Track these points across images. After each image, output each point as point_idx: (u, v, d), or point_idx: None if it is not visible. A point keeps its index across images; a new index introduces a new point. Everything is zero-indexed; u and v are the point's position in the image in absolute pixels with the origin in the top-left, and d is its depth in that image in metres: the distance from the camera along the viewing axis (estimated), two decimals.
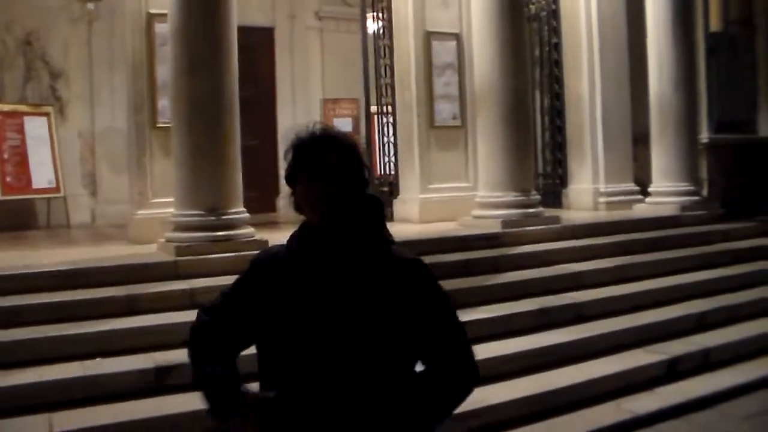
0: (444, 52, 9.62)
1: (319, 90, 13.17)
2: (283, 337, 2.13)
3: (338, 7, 13.44)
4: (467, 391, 2.19)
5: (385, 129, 10.06)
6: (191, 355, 2.31)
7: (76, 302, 5.75)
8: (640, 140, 10.88)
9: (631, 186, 10.71)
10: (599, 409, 5.59)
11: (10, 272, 6.14)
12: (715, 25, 11.96)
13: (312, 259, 2.16)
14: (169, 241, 6.81)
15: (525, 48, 8.57)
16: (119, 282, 6.15)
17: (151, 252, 7.09)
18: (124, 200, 11.49)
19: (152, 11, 8.09)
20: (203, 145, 6.75)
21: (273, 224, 9.36)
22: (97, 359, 5.22)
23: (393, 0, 9.68)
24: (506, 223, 8.11)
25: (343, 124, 12.75)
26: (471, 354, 2.20)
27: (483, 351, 5.65)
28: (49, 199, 10.88)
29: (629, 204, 10.40)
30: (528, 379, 5.77)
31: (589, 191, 10.57)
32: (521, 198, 8.32)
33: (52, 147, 10.91)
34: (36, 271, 6.24)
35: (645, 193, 10.62)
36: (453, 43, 9.69)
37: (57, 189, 10.83)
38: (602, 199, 10.45)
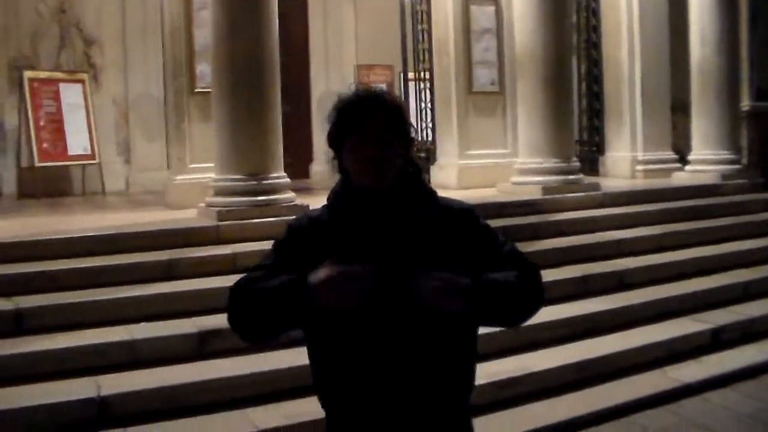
0: (483, 17, 9.49)
1: (353, 56, 13.04)
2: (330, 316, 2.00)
3: None
4: (541, 297, 2.14)
5: (423, 95, 9.94)
6: (235, 307, 2.13)
7: (117, 267, 5.71)
8: (679, 108, 10.73)
9: (670, 154, 10.58)
10: (646, 377, 5.56)
11: (49, 236, 6.12)
12: None
13: (363, 219, 2.08)
14: (209, 205, 6.79)
15: (566, 13, 8.41)
16: (160, 246, 6.11)
17: (191, 217, 7.07)
18: (157, 167, 11.61)
19: None
20: (244, 110, 6.70)
21: (307, 190, 9.34)
22: (142, 324, 5.20)
23: None
24: (546, 189, 8.03)
25: None
26: (540, 277, 2.15)
27: None
28: (84, 166, 10.89)
29: (668, 172, 10.27)
30: (571, 346, 5.73)
31: (627, 159, 10.44)
32: (561, 164, 8.22)
33: (87, 114, 10.89)
34: (76, 236, 6.17)
35: (683, 161, 10.48)
36: (492, 8, 9.57)
37: (92, 156, 10.84)
38: (640, 167, 10.32)
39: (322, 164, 12.59)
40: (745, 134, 10.97)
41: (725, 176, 9.63)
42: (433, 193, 2.18)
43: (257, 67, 6.73)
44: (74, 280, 5.50)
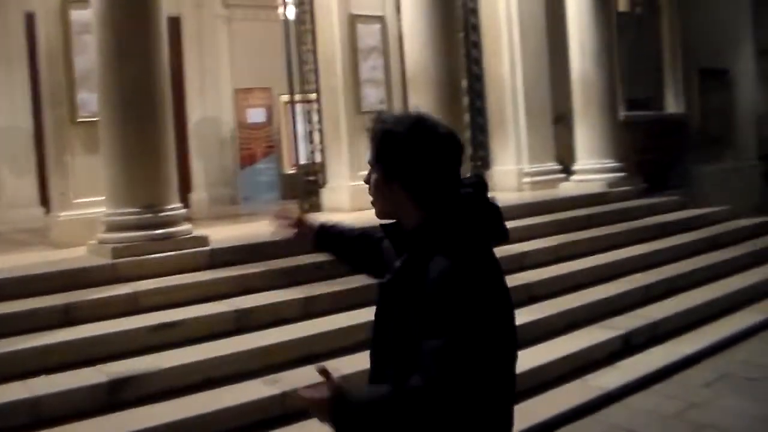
0: (369, 35, 9.43)
1: (229, 80, 12.78)
2: None
3: None
4: (417, 412, 1.88)
5: (310, 116, 9.76)
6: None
7: (8, 315, 5.24)
8: (559, 120, 11.01)
9: (554, 165, 10.83)
10: (568, 388, 5.59)
11: None
12: (622, 5, 12.20)
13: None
14: (102, 242, 6.40)
15: (455, 28, 8.48)
16: (54, 290, 5.68)
17: (82, 256, 6.63)
18: (27, 203, 10.97)
19: None
20: (136, 138, 6.37)
21: (188, 220, 8.94)
22: (42, 377, 4.75)
23: None
24: None
25: (257, 115, 12.43)
26: (440, 386, 1.87)
27: None
28: None
29: (554, 183, 10.52)
30: None
31: (514, 172, 10.62)
32: None
33: None
34: None
35: (566, 172, 10.75)
36: (378, 26, 9.51)
37: None
38: (527, 180, 10.52)
39: (201, 193, 12.26)
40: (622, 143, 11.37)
41: (611, 184, 9.95)
42: (438, 241, 1.95)
43: (149, 91, 6.42)
44: None
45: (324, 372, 1.92)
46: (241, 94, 12.38)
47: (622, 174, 10.30)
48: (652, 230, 8.87)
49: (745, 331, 6.83)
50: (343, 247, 2.58)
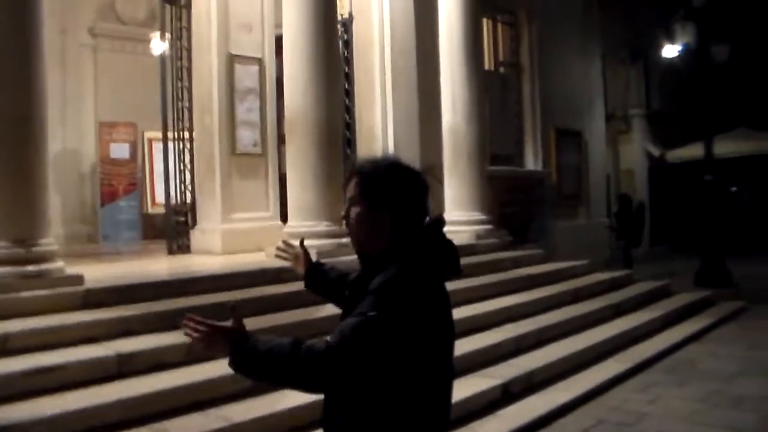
0: (247, 76, 9.32)
1: (93, 112, 12.26)
2: None
3: (114, 24, 12.75)
4: (299, 378, 2.17)
5: (182, 155, 9.46)
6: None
7: None
8: (427, 171, 11.13)
9: None
10: None
11: None
12: (488, 64, 12.63)
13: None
14: None
15: (340, 75, 8.49)
16: None
17: None
18: None
19: None
20: (7, 167, 5.98)
21: None
22: None
23: (193, 20, 9.21)
24: (321, 253, 7.88)
25: (121, 150, 11.98)
26: (323, 363, 2.13)
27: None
28: None
29: None
30: None
31: None
32: (334, 228, 8.18)
33: None
34: None
35: None
36: (256, 68, 9.43)
37: None
38: None
39: (57, 229, 11.60)
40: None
41: (479, 236, 10.18)
42: (388, 262, 2.25)
43: (23, 116, 6.06)
44: None
45: (233, 309, 2.25)
46: (105, 128, 11.92)
47: (489, 226, 10.57)
48: (520, 282, 9.11)
49: (613, 380, 7.06)
50: (327, 288, 2.89)
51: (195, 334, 2.22)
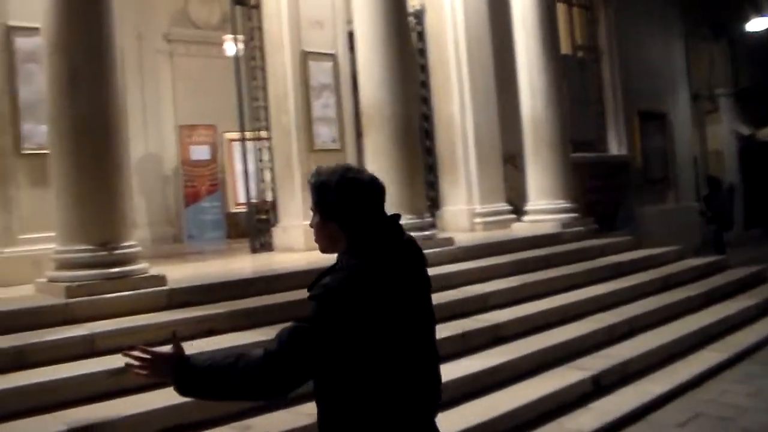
0: (321, 73, 9.28)
1: (172, 116, 12.46)
2: None
3: (188, 29, 12.90)
4: (254, 386, 2.31)
5: (261, 154, 9.49)
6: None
7: None
8: (508, 160, 11.01)
9: (505, 206, 10.81)
10: (545, 431, 5.43)
11: None
12: (564, 48, 12.33)
13: None
14: (53, 280, 6.03)
15: (413, 67, 8.38)
16: (2, 331, 5.28)
17: (30, 295, 6.26)
18: None
19: (12, 24, 7.21)
20: (90, 172, 6.02)
21: None
22: None
23: (265, 20, 9.21)
24: None
25: (201, 152, 12.13)
26: (271, 363, 2.27)
27: None
28: None
29: (505, 223, 10.48)
30: (462, 408, 5.48)
31: (464, 212, 10.55)
32: (416, 220, 8.07)
33: None
34: None
35: (516, 212, 10.73)
36: (329, 64, 9.38)
37: None
38: (478, 220, 10.46)
39: (143, 231, 11.83)
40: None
41: (565, 224, 9.95)
42: (332, 268, 2.41)
43: (103, 123, 6.08)
44: None
45: (174, 334, 2.42)
46: (185, 131, 12.08)
47: (574, 214, 10.32)
48: (608, 270, 8.85)
49: (709, 371, 6.79)
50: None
51: (136, 364, 2.38)
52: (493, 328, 6.70)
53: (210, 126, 12.16)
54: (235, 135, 12.28)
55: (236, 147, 12.32)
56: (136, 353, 2.38)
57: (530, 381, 6.06)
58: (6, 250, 7.18)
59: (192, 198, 12.02)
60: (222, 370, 2.28)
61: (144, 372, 2.38)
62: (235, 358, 2.27)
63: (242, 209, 12.46)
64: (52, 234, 6.44)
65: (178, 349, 2.37)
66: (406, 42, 8.40)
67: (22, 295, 6.26)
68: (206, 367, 2.30)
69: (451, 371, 5.75)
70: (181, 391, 2.35)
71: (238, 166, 12.21)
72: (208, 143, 12.18)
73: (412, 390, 2.39)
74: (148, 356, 2.37)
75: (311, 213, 2.46)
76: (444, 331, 6.40)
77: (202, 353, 2.44)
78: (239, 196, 12.32)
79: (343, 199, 2.37)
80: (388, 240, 2.44)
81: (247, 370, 2.24)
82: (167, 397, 4.76)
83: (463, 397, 5.54)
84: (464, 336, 6.40)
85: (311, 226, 2.47)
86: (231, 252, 10.22)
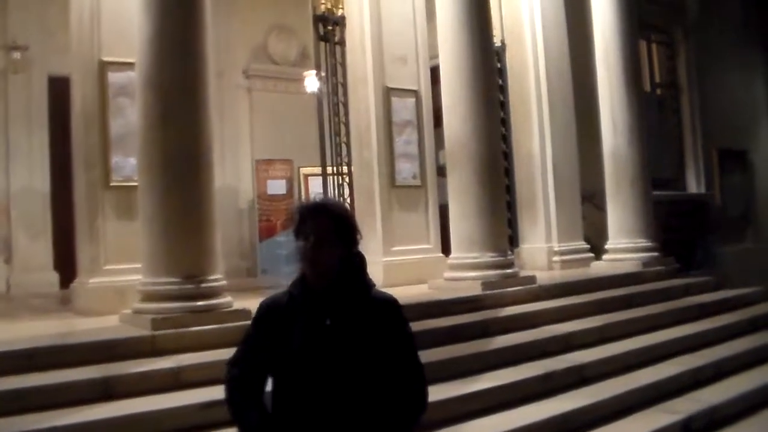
0: (403, 109, 9.34)
1: (248, 150, 12.67)
2: (288, 368, 2.62)
3: (267, 65, 13.16)
4: (419, 413, 2.67)
5: (341, 189, 9.56)
6: (229, 407, 2.77)
7: (44, 388, 4.90)
8: (587, 198, 10.90)
9: (583, 244, 10.69)
10: None
11: None
12: (644, 86, 12.23)
13: (307, 304, 2.66)
14: (138, 312, 6.12)
15: (497, 105, 8.39)
16: (90, 361, 5.35)
17: (115, 326, 6.36)
18: (41, 267, 10.72)
19: (106, 59, 7.42)
20: (178, 204, 6.16)
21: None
22: None
23: (348, 55, 9.34)
24: (486, 284, 7.81)
25: (278, 186, 12.28)
26: (425, 386, 2.70)
27: (493, 423, 5.32)
28: None
29: (584, 262, 10.36)
30: None
31: (543, 250, 10.46)
32: (499, 258, 8.07)
33: None
34: None
35: (594, 250, 10.60)
36: (412, 100, 9.44)
37: None
38: (556, 258, 10.36)
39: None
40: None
41: (645, 264, 9.78)
42: (368, 285, 2.73)
43: (193, 155, 6.26)
44: None
45: None
46: (262, 165, 12.25)
47: (655, 253, 10.14)
48: (692, 311, 8.66)
49: None
50: None
51: None
52: (577, 369, 6.58)
53: (287, 161, 12.32)
54: (312, 170, 12.51)
55: (312, 182, 12.50)
56: None
57: (618, 423, 5.94)
58: (92, 280, 7.31)
59: (267, 232, 12.14)
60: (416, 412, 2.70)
61: None
62: (396, 406, 2.64)
63: None
64: (137, 265, 6.57)
65: None
66: (492, 78, 8.40)
67: (107, 326, 6.35)
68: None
69: (535, 412, 5.72)
70: None
71: None
72: (285, 177, 12.32)
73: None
74: None
75: (313, 241, 2.65)
76: (526, 370, 6.38)
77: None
78: None
79: (356, 227, 2.79)
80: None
81: (424, 389, 2.69)
82: None
83: None
84: (547, 377, 6.32)
85: (315, 254, 2.64)
86: None
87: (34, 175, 10.96)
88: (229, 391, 2.79)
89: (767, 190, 15.46)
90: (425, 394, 2.68)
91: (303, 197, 12.50)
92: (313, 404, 2.58)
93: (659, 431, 5.87)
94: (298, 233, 2.66)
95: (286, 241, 12.02)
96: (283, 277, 11.45)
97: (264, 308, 2.78)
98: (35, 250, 10.84)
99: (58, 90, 10.97)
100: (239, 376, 2.76)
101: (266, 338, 2.70)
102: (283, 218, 12.23)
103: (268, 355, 2.69)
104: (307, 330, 2.62)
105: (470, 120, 8.15)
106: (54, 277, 10.79)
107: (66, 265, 10.50)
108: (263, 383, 2.75)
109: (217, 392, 5.10)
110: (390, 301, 2.72)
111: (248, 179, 12.62)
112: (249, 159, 12.70)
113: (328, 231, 2.62)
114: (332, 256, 2.63)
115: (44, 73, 11.05)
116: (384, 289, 8.41)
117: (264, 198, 12.36)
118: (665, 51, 13.10)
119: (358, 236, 2.72)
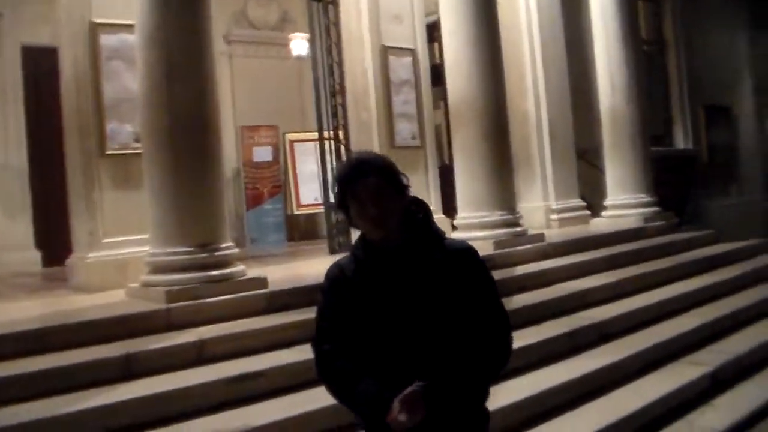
0: (401, 68, 9.12)
1: (231, 117, 12.31)
2: (369, 331, 2.49)
3: (247, 30, 12.79)
4: (505, 361, 2.54)
5: (338, 153, 9.25)
6: (331, 384, 2.57)
7: (64, 369, 4.62)
8: (581, 155, 10.81)
9: (579, 201, 10.63)
10: (675, 429, 5.23)
11: None
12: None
13: (380, 266, 2.51)
14: (149, 285, 5.84)
15: (501, 61, 8.19)
16: (108, 339, 5.10)
17: (124, 300, 6.07)
18: (22, 246, 10.34)
19: (97, 20, 7.03)
20: (187, 169, 5.85)
21: None
22: None
23: (342, 15, 9.05)
24: (497, 243, 7.68)
25: (263, 153, 11.95)
26: (510, 334, 2.55)
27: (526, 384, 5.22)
28: None
29: (581, 219, 10.30)
30: (588, 408, 5.30)
31: (541, 209, 10.37)
32: (508, 217, 7.95)
33: None
34: None
35: (589, 207, 10.53)
36: (409, 59, 9.21)
37: None
38: (554, 216, 10.29)
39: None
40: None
41: (647, 219, 9.74)
42: (440, 236, 2.58)
43: (201, 116, 5.93)
44: (11, 391, 4.37)
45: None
46: (247, 132, 11.89)
47: (656, 208, 10.11)
48: (700, 264, 8.64)
49: None
50: None
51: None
52: (598, 326, 6.49)
53: (272, 127, 11.97)
54: (298, 135, 12.23)
55: (298, 147, 12.22)
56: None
57: (647, 378, 5.87)
58: (91, 254, 7.01)
59: (254, 201, 11.80)
60: (480, 364, 2.48)
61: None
62: (474, 351, 2.46)
63: (305, 211, 12.33)
64: (138, 236, 6.34)
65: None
66: (495, 32, 8.17)
67: (114, 301, 6.05)
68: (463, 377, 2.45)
69: (564, 372, 5.60)
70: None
71: (301, 168, 12.07)
72: (271, 144, 11.97)
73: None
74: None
75: (372, 202, 2.43)
76: (548, 329, 6.26)
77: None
78: (302, 197, 12.17)
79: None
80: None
81: (508, 344, 2.54)
82: (290, 405, 4.59)
83: (581, 398, 5.36)
84: (572, 335, 6.21)
85: (378, 213, 2.45)
86: (305, 254, 10.05)
87: (9, 151, 10.54)
88: (327, 368, 2.58)
89: (750, 145, 15.58)
90: (510, 343, 2.54)
91: (289, 164, 12.24)
92: (400, 363, 2.45)
93: (690, 384, 5.81)
94: (346, 198, 2.47)
95: (272, 209, 11.77)
96: (272, 245, 11.28)
97: (332, 278, 2.62)
98: (15, 229, 10.44)
99: (34, 61, 10.59)
100: (332, 350, 2.55)
101: (343, 307, 2.54)
102: (269, 186, 11.92)
103: (351, 323, 2.53)
104: (386, 292, 2.48)
105: (474, 77, 7.97)
106: (36, 255, 10.43)
107: (49, 243, 10.20)
108: (358, 351, 2.55)
109: (242, 365, 4.98)
110: (467, 249, 2.57)
111: (232, 147, 12.27)
112: (232, 126, 12.33)
113: (381, 186, 2.44)
114: (395, 210, 2.47)
115: (17, 43, 10.60)
116: None
117: (250, 165, 12.00)
118: (652, 8, 13.00)
119: (406, 180, 2.52)
